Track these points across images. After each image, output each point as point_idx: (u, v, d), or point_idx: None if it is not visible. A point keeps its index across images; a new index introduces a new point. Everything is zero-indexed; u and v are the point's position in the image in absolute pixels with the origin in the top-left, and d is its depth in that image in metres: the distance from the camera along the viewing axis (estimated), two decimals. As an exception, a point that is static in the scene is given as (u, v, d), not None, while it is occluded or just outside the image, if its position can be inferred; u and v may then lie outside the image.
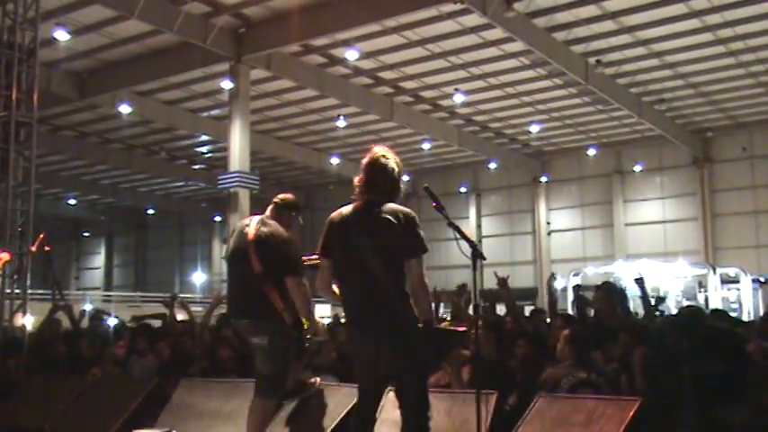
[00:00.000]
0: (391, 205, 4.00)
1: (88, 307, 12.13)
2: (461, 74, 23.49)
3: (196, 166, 34.94)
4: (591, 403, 4.00)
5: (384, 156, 4.09)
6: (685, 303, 22.26)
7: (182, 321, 8.57)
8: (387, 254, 3.86)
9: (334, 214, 4.19)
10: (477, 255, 3.89)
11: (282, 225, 4.91)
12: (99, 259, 47.74)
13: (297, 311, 4.63)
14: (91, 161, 33.45)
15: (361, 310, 3.93)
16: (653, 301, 7.90)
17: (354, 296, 3.96)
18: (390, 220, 3.90)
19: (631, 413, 3.74)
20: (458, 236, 3.90)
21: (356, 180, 4.14)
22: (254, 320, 4.72)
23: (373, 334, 3.84)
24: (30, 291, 12.31)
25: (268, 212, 5.02)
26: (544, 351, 5.10)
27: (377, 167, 4.07)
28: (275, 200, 5.06)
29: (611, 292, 6.67)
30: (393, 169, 4.09)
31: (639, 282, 7.07)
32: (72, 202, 41.87)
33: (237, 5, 19.03)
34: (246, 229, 4.87)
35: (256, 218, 4.97)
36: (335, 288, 4.06)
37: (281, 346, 4.62)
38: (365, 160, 4.12)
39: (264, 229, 4.84)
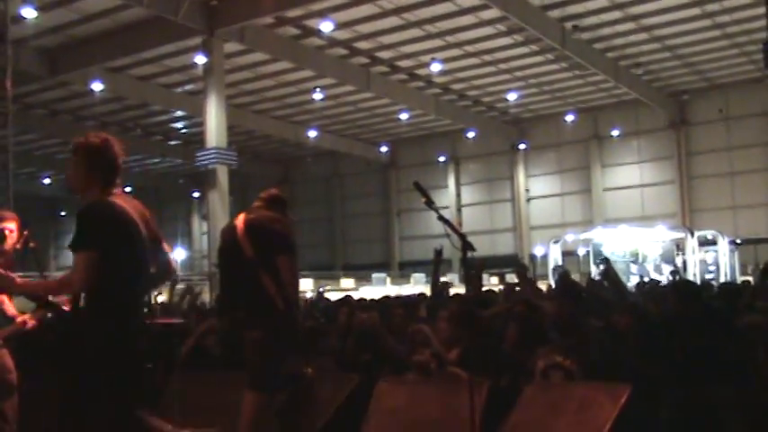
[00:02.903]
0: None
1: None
2: (438, 42, 23.33)
3: (172, 142, 34.58)
4: (582, 390, 4.02)
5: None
6: (664, 267, 22.58)
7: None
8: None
9: (116, 204, 3.59)
10: (466, 246, 3.88)
11: None
12: (77, 238, 47.26)
13: (289, 297, 4.60)
14: (64, 139, 32.79)
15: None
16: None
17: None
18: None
19: (623, 400, 3.76)
20: (448, 230, 3.88)
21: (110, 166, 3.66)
22: (249, 313, 4.68)
23: None
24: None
25: (254, 207, 4.98)
26: (535, 333, 5.08)
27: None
28: (261, 195, 5.01)
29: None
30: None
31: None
32: (47, 181, 41.29)
33: (208, -22, 18.73)
34: (234, 222, 4.83)
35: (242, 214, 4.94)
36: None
37: (276, 338, 4.59)
38: (105, 145, 3.65)
39: (252, 216, 4.84)
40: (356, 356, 5.54)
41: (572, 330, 4.76)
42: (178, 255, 30.96)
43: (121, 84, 25.42)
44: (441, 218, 3.86)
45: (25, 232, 4.67)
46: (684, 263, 22.45)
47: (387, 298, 10.91)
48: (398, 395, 4.58)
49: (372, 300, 11.03)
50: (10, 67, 12.28)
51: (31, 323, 4.59)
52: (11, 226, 4.74)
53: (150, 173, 40.93)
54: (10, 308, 4.77)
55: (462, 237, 3.87)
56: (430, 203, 3.91)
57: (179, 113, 29.44)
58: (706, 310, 5.12)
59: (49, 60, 22.81)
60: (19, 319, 4.65)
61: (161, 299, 9.53)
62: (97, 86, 24.45)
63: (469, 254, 3.95)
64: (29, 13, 18.91)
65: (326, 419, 4.62)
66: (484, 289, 9.11)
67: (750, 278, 18.92)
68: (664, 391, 4.11)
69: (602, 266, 7.06)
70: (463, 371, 4.67)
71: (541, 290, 7.63)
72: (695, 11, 21.71)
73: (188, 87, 26.39)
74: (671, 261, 23.05)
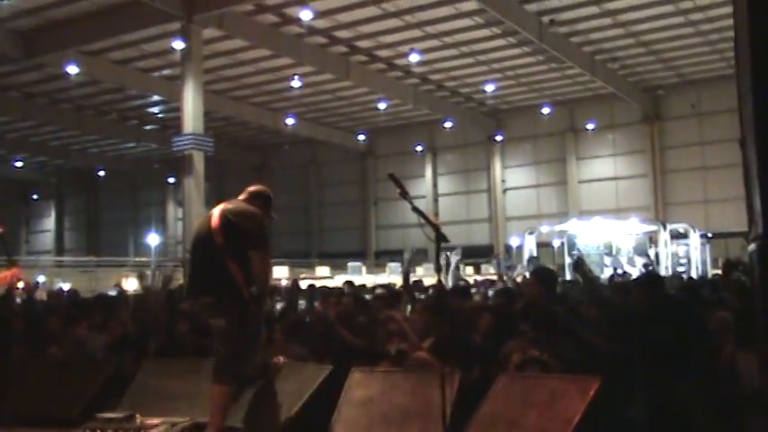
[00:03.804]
0: None
1: (41, 279, 11.88)
2: (416, 33, 23.35)
3: (148, 127, 34.25)
4: (552, 382, 4.09)
5: None
6: (637, 259, 22.88)
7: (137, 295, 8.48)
8: None
9: None
10: (440, 237, 3.92)
11: None
12: (49, 222, 46.77)
13: (258, 288, 4.60)
14: (38, 122, 32.53)
15: None
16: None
17: None
18: None
19: (592, 392, 3.84)
20: (422, 220, 3.93)
21: None
22: (215, 299, 4.69)
23: None
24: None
25: (236, 198, 4.98)
26: (508, 325, 5.15)
27: None
28: (248, 189, 5.01)
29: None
30: None
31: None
32: (19, 164, 40.76)
33: (188, -38, 18.55)
34: (211, 211, 4.84)
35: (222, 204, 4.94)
36: None
37: (241, 328, 4.60)
38: None
39: (230, 207, 4.85)
40: (326, 346, 5.58)
41: (544, 322, 4.82)
42: (152, 240, 30.72)
43: (98, 67, 25.12)
44: (415, 209, 3.90)
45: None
46: (657, 255, 22.77)
47: (362, 287, 10.96)
48: (370, 385, 4.61)
49: (346, 285, 11.05)
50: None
51: None
52: None
53: (125, 157, 40.56)
54: None
55: (436, 228, 3.92)
56: (404, 195, 3.95)
57: (156, 98, 29.17)
58: (669, 304, 5.21)
59: (25, 42, 22.46)
60: None
61: (131, 288, 9.44)
62: (73, 69, 24.12)
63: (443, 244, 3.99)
64: (3, -6, 18.63)
65: (298, 409, 4.63)
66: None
67: (720, 272, 19.20)
68: (632, 384, 4.20)
69: (575, 258, 7.12)
70: (434, 359, 4.73)
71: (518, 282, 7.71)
72: (669, 8, 21.97)
73: (165, 72, 26.14)
74: (644, 253, 23.38)
